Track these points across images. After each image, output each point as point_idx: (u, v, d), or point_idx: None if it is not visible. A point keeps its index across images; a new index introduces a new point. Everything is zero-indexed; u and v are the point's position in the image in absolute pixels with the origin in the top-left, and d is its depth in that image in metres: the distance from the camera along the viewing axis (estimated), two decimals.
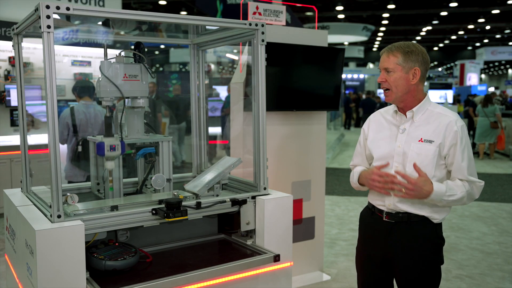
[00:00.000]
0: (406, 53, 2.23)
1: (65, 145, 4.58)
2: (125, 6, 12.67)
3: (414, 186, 2.15)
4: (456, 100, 20.28)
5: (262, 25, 2.45)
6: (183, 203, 2.23)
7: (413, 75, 2.25)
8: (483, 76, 39.01)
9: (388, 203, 2.31)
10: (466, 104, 14.32)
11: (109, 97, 2.44)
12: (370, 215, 2.45)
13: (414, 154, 2.25)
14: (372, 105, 17.02)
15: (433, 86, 20.91)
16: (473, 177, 2.26)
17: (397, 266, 2.35)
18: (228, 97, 8.89)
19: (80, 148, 4.35)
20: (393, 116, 2.39)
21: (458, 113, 13.28)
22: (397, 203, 2.29)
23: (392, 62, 2.24)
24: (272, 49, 3.18)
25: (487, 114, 11.34)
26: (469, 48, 32.54)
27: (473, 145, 12.78)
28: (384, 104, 17.53)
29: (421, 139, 2.26)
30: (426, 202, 2.24)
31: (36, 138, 5.64)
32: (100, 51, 7.54)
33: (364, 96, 21.98)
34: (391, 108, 2.43)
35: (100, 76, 2.46)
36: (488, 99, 11.71)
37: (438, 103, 2.47)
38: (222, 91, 10.75)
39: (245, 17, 3.84)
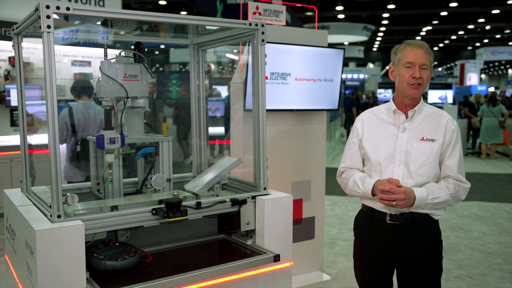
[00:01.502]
0: (432, 54, 2.33)
1: (64, 145, 4.57)
2: (125, 6, 12.66)
3: (404, 194, 2.18)
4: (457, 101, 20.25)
5: (262, 25, 2.45)
6: (183, 203, 2.23)
7: (430, 75, 2.34)
8: (483, 76, 39.02)
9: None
10: (463, 105, 14.29)
11: (109, 97, 2.44)
12: (369, 219, 2.43)
13: (417, 153, 2.27)
14: (350, 104, 17.24)
15: (433, 86, 20.89)
16: (462, 177, 2.31)
17: (404, 266, 2.35)
18: (228, 97, 8.89)
19: (79, 148, 4.34)
20: (390, 115, 2.39)
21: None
22: None
23: (428, 59, 2.29)
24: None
25: (494, 113, 11.35)
26: (469, 48, 32.54)
27: (474, 144, 12.79)
28: (365, 104, 17.55)
29: (423, 138, 2.29)
30: (413, 208, 2.26)
31: (39, 138, 5.63)
32: (100, 51, 7.53)
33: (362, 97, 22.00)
34: (383, 107, 2.44)
35: (100, 76, 2.46)
36: (494, 98, 11.72)
37: (434, 103, 2.52)
38: (222, 91, 10.75)
39: (245, 17, 3.84)
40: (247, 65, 3.65)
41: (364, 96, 23.89)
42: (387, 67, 2.49)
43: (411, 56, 2.27)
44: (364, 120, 2.47)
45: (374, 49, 33.80)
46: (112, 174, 2.47)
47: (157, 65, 22.33)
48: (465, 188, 2.32)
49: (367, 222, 2.44)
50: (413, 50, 2.28)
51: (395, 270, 2.44)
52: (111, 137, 2.32)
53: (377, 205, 2.36)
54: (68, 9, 1.93)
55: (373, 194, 2.30)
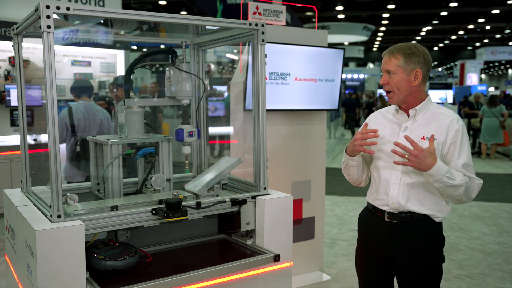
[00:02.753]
0: (407, 55, 2.24)
1: (64, 145, 4.57)
2: (125, 6, 12.66)
3: (419, 153, 2.10)
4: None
5: (262, 25, 2.45)
6: (183, 203, 2.23)
7: (415, 77, 2.26)
8: (483, 76, 39.00)
9: (391, 202, 2.31)
10: (463, 105, 14.29)
11: (190, 96, 2.63)
12: (370, 216, 2.45)
13: None
14: (352, 104, 17.40)
15: (433, 86, 20.93)
16: (473, 175, 2.26)
17: (401, 266, 2.35)
18: (228, 97, 8.89)
19: (78, 148, 4.34)
20: (394, 115, 2.40)
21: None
22: (401, 201, 2.29)
23: (393, 64, 2.25)
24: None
25: (494, 114, 11.37)
26: (469, 48, 32.53)
27: (474, 144, 12.79)
28: (371, 104, 17.65)
29: (423, 137, 2.28)
30: (426, 175, 2.18)
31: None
32: (100, 51, 7.58)
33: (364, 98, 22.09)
34: (392, 107, 2.45)
35: (173, 76, 2.60)
36: (494, 99, 11.75)
37: (437, 103, 2.50)
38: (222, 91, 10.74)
39: (245, 17, 3.84)
40: (247, 65, 3.65)
41: (364, 96, 23.90)
42: None
43: (382, 64, 2.33)
44: (371, 119, 2.52)
45: (374, 49, 33.79)
46: (188, 164, 2.74)
47: (157, 65, 22.33)
48: (478, 184, 2.25)
49: (368, 219, 2.46)
50: (383, 58, 2.33)
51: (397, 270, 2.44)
52: (189, 131, 2.58)
53: (378, 203, 2.37)
54: (68, 9, 1.93)
55: (349, 154, 2.35)
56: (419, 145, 2.13)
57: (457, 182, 2.17)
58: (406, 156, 2.14)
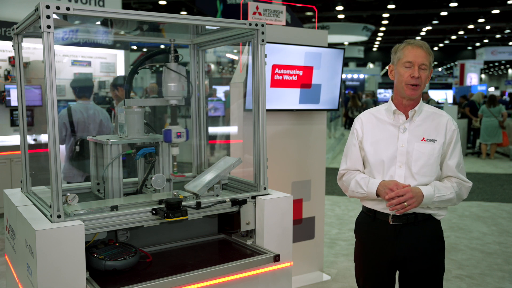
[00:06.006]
0: (432, 53, 2.32)
1: (63, 146, 4.56)
2: (125, 6, 12.66)
3: (412, 193, 2.17)
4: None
5: (262, 25, 2.45)
6: (183, 203, 2.23)
7: (429, 75, 2.33)
8: (483, 76, 38.99)
9: None
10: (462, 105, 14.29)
11: (180, 96, 2.54)
12: (370, 220, 2.41)
13: (418, 153, 2.27)
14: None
15: (433, 86, 20.91)
16: (463, 176, 2.33)
17: (408, 267, 2.34)
18: (228, 97, 8.88)
19: (78, 149, 4.33)
20: (389, 116, 2.37)
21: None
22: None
23: (428, 59, 2.28)
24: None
25: (494, 114, 11.38)
26: (469, 48, 32.52)
27: (474, 144, 12.79)
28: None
29: (424, 138, 2.28)
30: (420, 206, 2.26)
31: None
32: (100, 51, 7.58)
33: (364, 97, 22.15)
34: (382, 108, 2.43)
35: (166, 76, 2.52)
36: (493, 99, 11.76)
37: (432, 103, 2.52)
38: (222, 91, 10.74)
39: (245, 17, 3.84)
40: (247, 65, 3.65)
41: (364, 96, 23.95)
42: (387, 67, 2.47)
43: (411, 56, 2.25)
44: (363, 121, 2.44)
45: (374, 49, 33.79)
46: (177, 166, 2.58)
47: (157, 65, 22.32)
48: (467, 187, 2.34)
49: (369, 224, 2.42)
50: (413, 49, 2.26)
51: (397, 271, 2.43)
52: (177, 131, 2.48)
53: (379, 206, 2.35)
54: (68, 9, 1.93)
55: (377, 194, 2.28)
56: (405, 189, 2.18)
57: (448, 197, 2.26)
58: (405, 204, 2.18)
